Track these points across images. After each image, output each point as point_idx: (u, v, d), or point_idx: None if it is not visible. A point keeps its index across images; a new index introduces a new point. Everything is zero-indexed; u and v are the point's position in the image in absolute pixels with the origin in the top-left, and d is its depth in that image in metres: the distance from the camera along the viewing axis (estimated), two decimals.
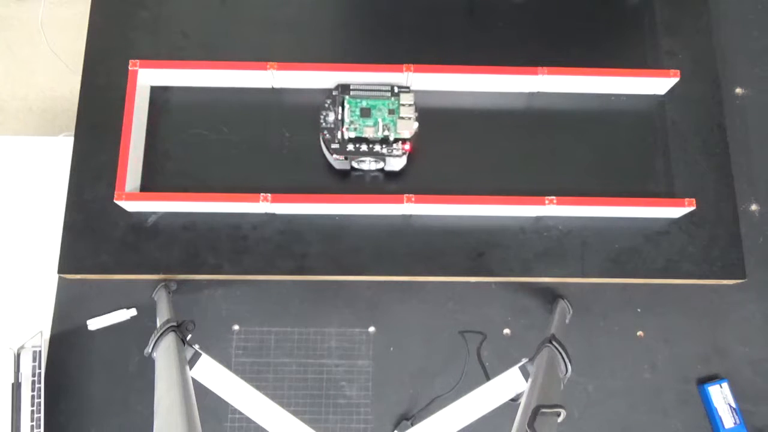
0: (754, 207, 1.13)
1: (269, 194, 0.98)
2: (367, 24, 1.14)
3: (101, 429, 1.01)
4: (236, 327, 1.06)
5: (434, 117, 1.06)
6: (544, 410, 0.68)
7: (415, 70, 1.02)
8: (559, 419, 0.69)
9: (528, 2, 1.14)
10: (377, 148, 0.97)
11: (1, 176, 1.16)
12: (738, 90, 1.18)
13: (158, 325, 0.88)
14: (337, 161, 1.00)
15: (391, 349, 1.06)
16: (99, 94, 1.06)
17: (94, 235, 1.01)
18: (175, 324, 0.84)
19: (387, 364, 1.05)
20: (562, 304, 1.04)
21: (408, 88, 1.01)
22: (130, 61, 1.02)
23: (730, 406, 1.03)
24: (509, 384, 0.81)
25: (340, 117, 0.97)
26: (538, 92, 1.09)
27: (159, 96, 1.07)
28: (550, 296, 1.08)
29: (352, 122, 0.97)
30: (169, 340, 0.81)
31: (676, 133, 1.08)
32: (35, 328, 1.05)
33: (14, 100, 1.91)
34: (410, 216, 1.04)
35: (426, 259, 1.02)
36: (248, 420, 0.83)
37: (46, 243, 1.10)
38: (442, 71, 1.03)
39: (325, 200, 0.99)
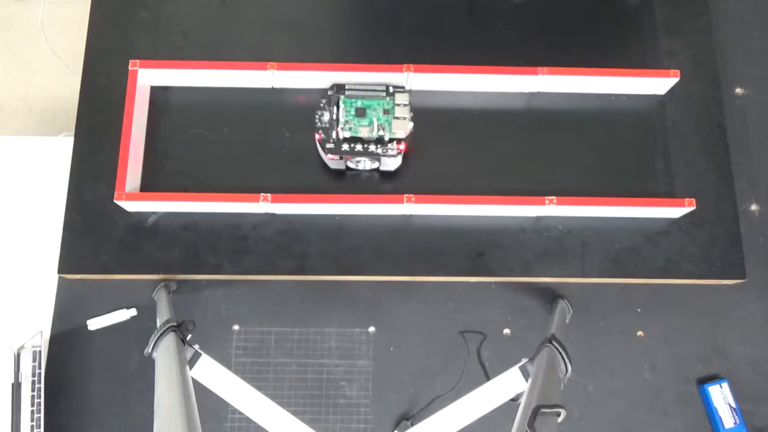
0: (754, 207, 1.13)
1: (269, 194, 0.98)
2: (367, 24, 1.14)
3: (101, 429, 1.01)
4: (236, 327, 1.06)
5: (434, 117, 1.06)
6: (544, 410, 0.68)
7: (415, 70, 1.02)
8: (559, 419, 0.70)
9: (528, 2, 1.14)
10: (372, 147, 0.97)
11: (1, 176, 1.16)
12: (738, 90, 1.18)
13: (158, 325, 0.88)
14: (331, 161, 1.00)
15: (391, 349, 1.06)
16: (99, 94, 1.06)
17: (94, 235, 1.01)
18: (175, 324, 0.84)
19: (387, 364, 1.05)
20: (562, 304, 1.04)
21: (403, 87, 1.01)
22: (130, 61, 1.02)
23: (730, 406, 1.03)
24: (509, 384, 0.81)
25: (335, 117, 0.97)
26: (538, 92, 1.09)
27: (159, 96, 1.07)
28: (550, 296, 1.08)
29: (347, 122, 0.97)
30: (169, 340, 0.81)
31: (676, 133, 1.08)
32: (35, 328, 1.05)
33: (14, 100, 1.91)
34: (410, 216, 1.04)
35: (426, 259, 1.02)
36: (248, 420, 0.83)
37: (46, 243, 1.10)
38: (442, 71, 1.03)
39: (325, 200, 0.99)
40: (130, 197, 0.97)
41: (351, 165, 1.01)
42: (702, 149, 1.07)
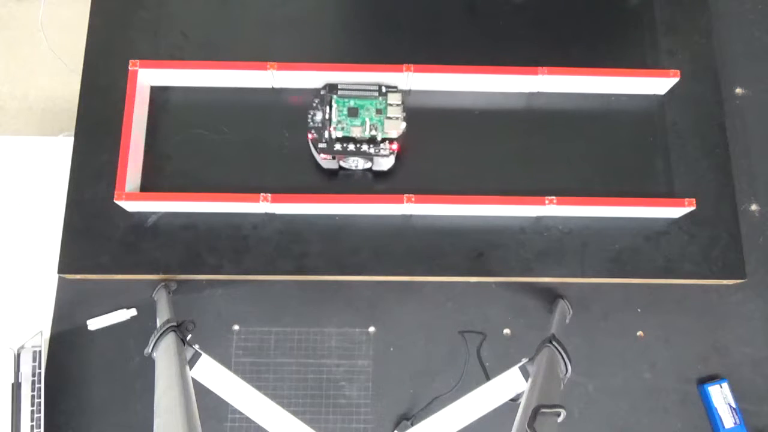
0: (754, 207, 1.13)
1: (269, 194, 0.98)
2: (367, 24, 1.14)
3: (101, 429, 1.01)
4: (236, 327, 1.06)
5: (434, 117, 1.06)
6: (544, 410, 0.68)
7: (415, 70, 1.02)
8: (559, 419, 0.70)
9: (528, 2, 1.14)
10: (365, 147, 0.97)
11: (1, 176, 1.16)
12: (738, 90, 1.18)
13: (158, 325, 0.88)
14: (324, 161, 1.00)
15: (391, 349, 1.06)
16: (99, 94, 1.06)
17: (94, 235, 1.01)
18: (175, 324, 0.84)
19: (387, 364, 1.05)
20: (562, 304, 1.04)
21: (396, 87, 1.01)
22: (130, 61, 1.02)
23: (730, 406, 1.03)
24: (509, 384, 0.81)
25: (327, 116, 0.97)
26: (538, 92, 1.09)
27: (159, 96, 1.07)
28: (550, 296, 1.08)
29: (339, 122, 0.97)
30: (169, 340, 0.81)
31: (676, 133, 1.08)
32: (35, 328, 1.05)
33: (14, 100, 1.91)
34: (410, 216, 1.04)
35: (426, 259, 1.02)
36: (248, 420, 0.83)
37: (46, 243, 1.10)
38: (442, 71, 1.03)
39: (325, 200, 0.99)
40: (130, 197, 0.97)
41: (344, 165, 1.01)
42: (702, 149, 1.07)
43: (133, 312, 1.06)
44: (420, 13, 1.13)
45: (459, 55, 1.06)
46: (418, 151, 1.05)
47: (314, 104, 0.99)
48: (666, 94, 1.10)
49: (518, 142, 1.07)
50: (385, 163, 1.00)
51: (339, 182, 1.04)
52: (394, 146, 0.97)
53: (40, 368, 1.00)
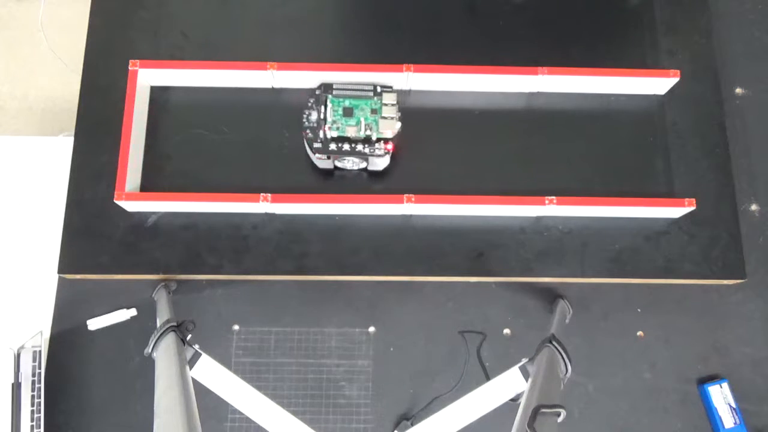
0: (754, 207, 1.13)
1: (269, 194, 0.98)
2: (367, 24, 1.14)
3: (101, 429, 1.01)
4: (236, 327, 1.06)
5: (434, 117, 1.06)
6: (544, 410, 0.68)
7: (415, 70, 1.02)
8: (559, 419, 0.70)
9: (528, 2, 1.14)
10: (359, 147, 0.97)
11: (1, 176, 1.16)
12: (738, 90, 1.18)
13: (158, 325, 0.88)
14: (319, 160, 1.00)
15: (391, 349, 1.06)
16: (99, 94, 1.06)
17: (94, 235, 1.01)
18: (175, 324, 0.84)
19: (387, 364, 1.05)
20: (562, 304, 1.04)
21: (391, 87, 1.01)
22: (130, 61, 1.02)
23: (730, 406, 1.03)
24: (509, 384, 0.81)
25: (322, 116, 0.97)
26: (538, 92, 1.09)
27: (159, 96, 1.07)
28: (550, 296, 1.09)
29: (334, 121, 0.97)
30: (169, 340, 0.81)
31: (676, 133, 1.08)
32: (35, 328, 1.05)
33: (14, 100, 1.91)
34: (410, 216, 1.04)
35: (426, 259, 1.02)
36: (248, 420, 0.84)
37: (46, 243, 1.10)
38: (441, 71, 1.03)
39: (325, 200, 0.99)
40: (130, 197, 0.97)
41: (339, 164, 1.01)
42: (702, 149, 1.07)
43: (133, 312, 1.06)
44: (420, 13, 1.13)
45: (459, 55, 1.06)
46: (418, 151, 1.05)
47: (309, 104, 0.99)
48: (666, 94, 1.10)
49: (518, 142, 1.07)
50: (380, 162, 1.00)
51: (336, 182, 1.04)
52: (389, 146, 0.97)
53: (40, 368, 1.00)
